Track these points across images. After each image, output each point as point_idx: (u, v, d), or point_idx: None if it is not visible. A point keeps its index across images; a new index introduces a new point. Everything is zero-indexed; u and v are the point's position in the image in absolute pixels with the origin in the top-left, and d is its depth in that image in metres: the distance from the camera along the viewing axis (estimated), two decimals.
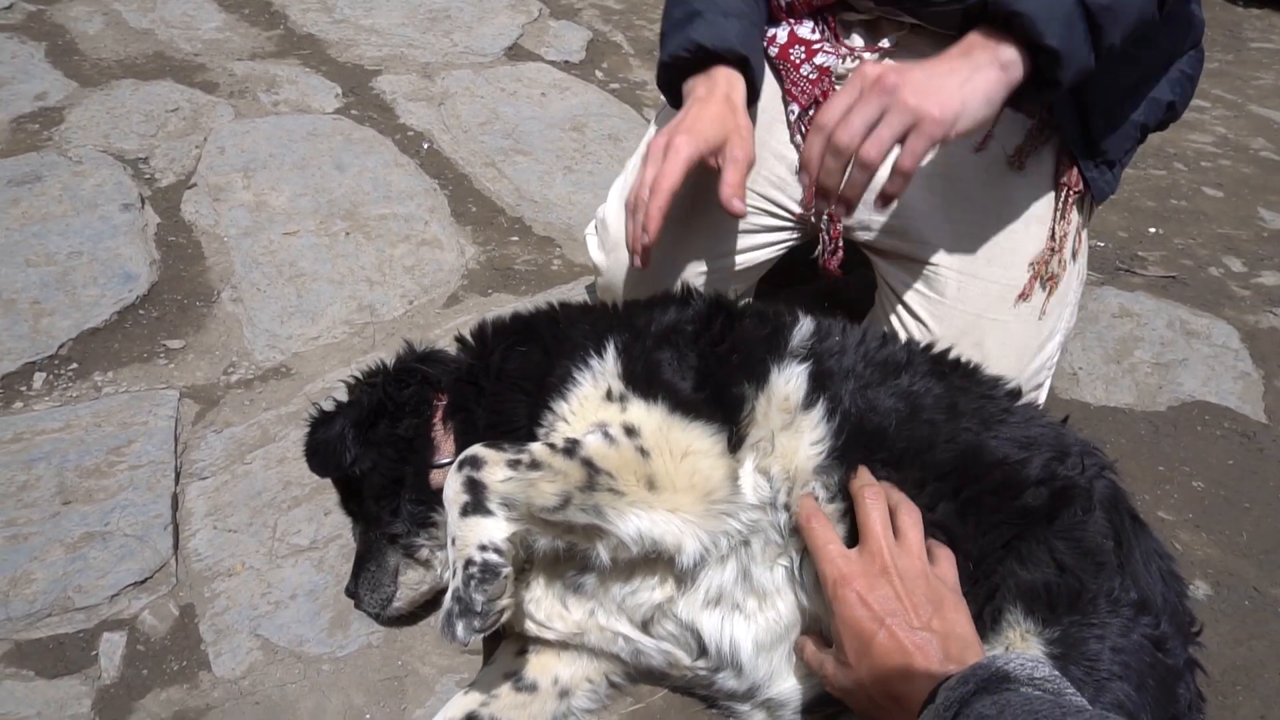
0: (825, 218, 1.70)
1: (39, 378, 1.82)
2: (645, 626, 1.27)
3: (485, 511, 1.14)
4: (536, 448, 1.18)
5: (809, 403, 1.20)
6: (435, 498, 1.31)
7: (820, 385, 1.20)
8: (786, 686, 1.23)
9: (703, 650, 1.25)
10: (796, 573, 1.20)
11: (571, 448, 1.17)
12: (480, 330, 1.45)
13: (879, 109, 1.18)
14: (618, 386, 1.22)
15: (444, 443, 1.39)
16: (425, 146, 2.73)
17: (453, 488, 1.16)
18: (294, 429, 1.76)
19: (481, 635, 1.11)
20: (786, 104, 1.67)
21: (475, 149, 2.74)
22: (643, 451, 1.16)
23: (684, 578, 1.23)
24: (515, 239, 2.40)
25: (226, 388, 1.85)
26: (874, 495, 1.13)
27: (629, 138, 2.86)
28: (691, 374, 1.23)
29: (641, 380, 1.21)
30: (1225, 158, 3.46)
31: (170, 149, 2.58)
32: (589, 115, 2.97)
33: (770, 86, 1.70)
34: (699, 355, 1.25)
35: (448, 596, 1.13)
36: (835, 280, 1.81)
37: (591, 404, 1.22)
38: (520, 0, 3.78)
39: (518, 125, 2.87)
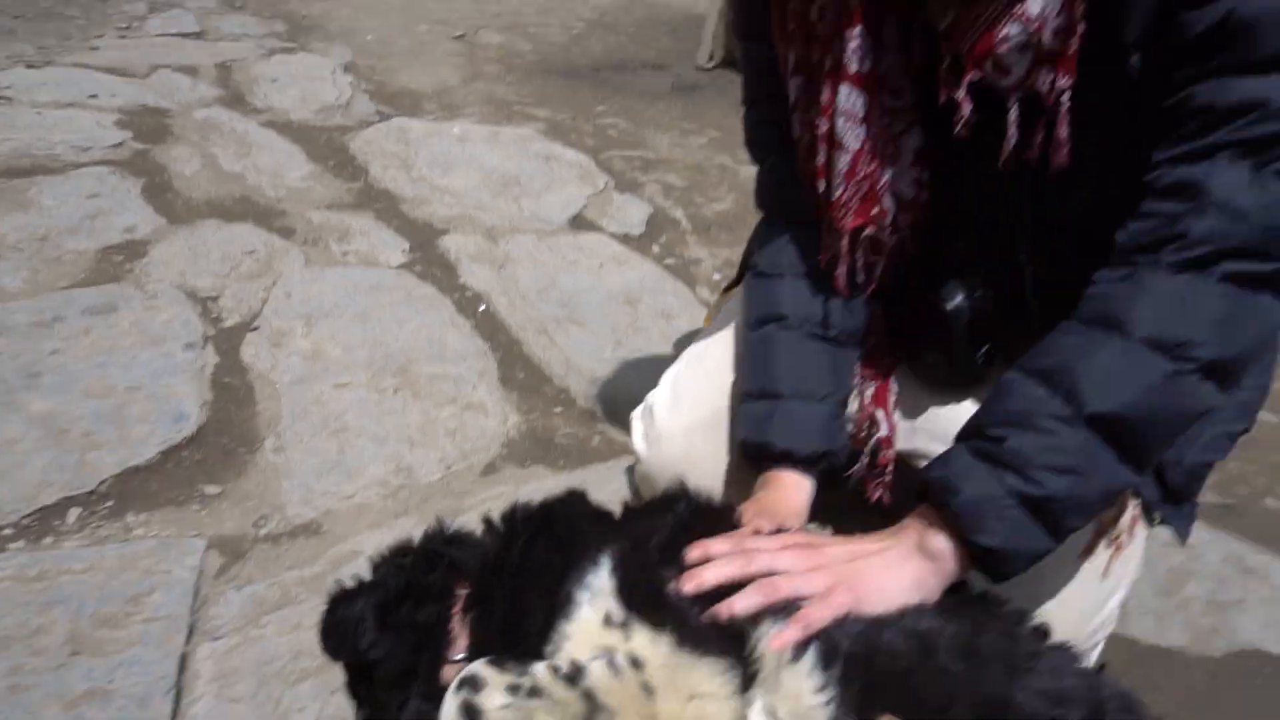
0: (874, 441, 1.68)
1: (74, 513, 1.83)
2: None
3: None
4: (540, 671, 1.11)
5: (798, 651, 1.13)
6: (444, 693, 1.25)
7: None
8: None
9: None
10: None
11: (575, 675, 1.10)
12: (510, 515, 1.43)
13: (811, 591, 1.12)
14: (618, 612, 1.17)
15: (460, 636, 1.34)
16: (482, 308, 2.82)
17: (448, 712, 1.11)
18: (314, 594, 1.73)
19: None
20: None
21: (531, 315, 2.82)
22: (647, 689, 1.10)
23: None
24: (559, 410, 2.42)
25: (254, 541, 1.85)
26: None
27: (681, 315, 2.92)
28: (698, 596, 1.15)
29: (643, 604, 1.14)
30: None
31: (240, 290, 2.69)
32: (644, 290, 3.05)
33: None
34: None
35: None
36: (881, 502, 1.77)
37: (593, 628, 1.17)
38: (589, 173, 3.98)
39: (574, 294, 2.96)
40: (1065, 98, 1.15)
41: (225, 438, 2.11)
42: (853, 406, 1.71)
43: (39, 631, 1.55)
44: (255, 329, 2.52)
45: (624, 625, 1.15)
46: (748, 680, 1.13)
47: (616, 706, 1.08)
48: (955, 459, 1.16)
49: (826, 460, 1.47)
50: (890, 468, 1.74)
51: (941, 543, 1.13)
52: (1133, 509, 1.49)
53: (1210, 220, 1.03)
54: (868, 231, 1.42)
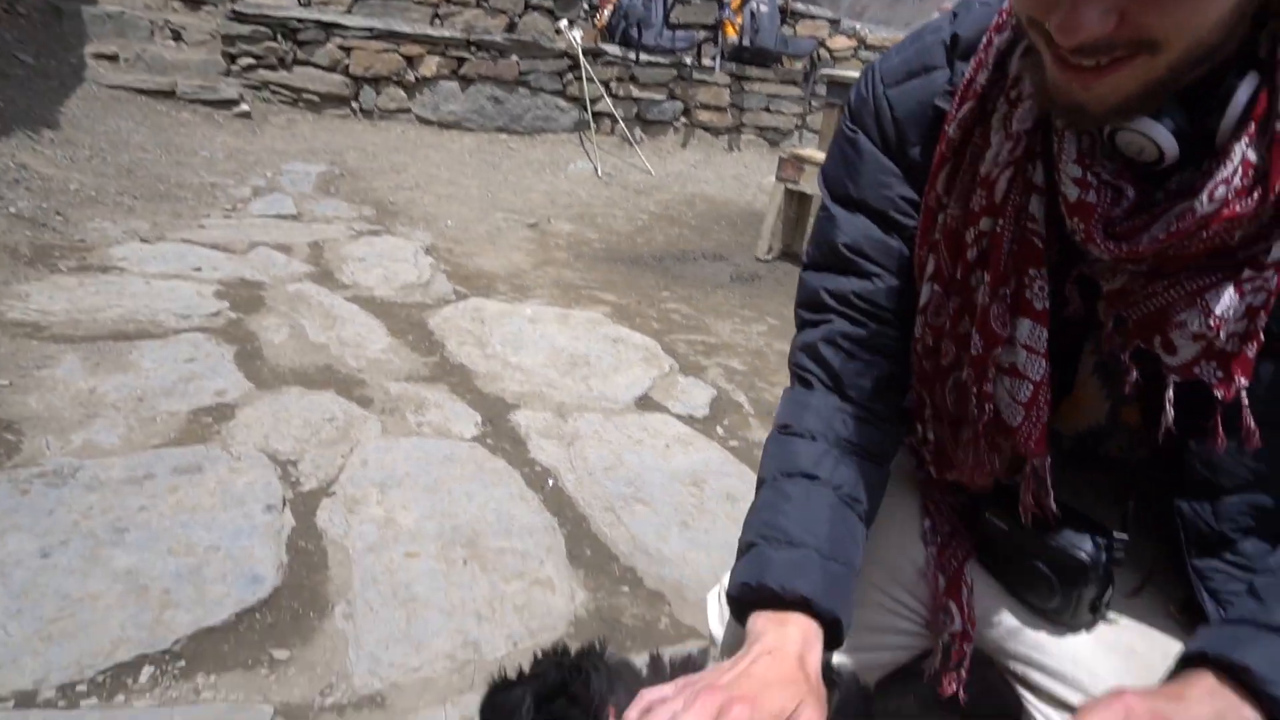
0: (948, 636, 1.64)
1: (147, 672, 1.83)
2: None
3: None
4: None
5: None
6: None
7: None
8: None
9: None
10: None
11: None
12: (684, 660, 1.43)
13: None
14: None
15: None
16: (550, 483, 2.85)
17: None
18: None
19: None
20: (921, 515, 1.69)
21: (597, 492, 2.84)
22: None
23: None
24: (626, 589, 2.39)
25: (320, 710, 1.81)
26: None
27: (745, 498, 2.89)
28: None
29: None
30: None
31: (319, 455, 2.78)
32: (709, 472, 3.07)
33: (900, 471, 1.73)
34: None
35: None
36: (955, 696, 1.70)
37: None
38: (654, 355, 4.11)
39: (640, 474, 2.99)
40: (1244, 394, 1.19)
41: (297, 602, 2.12)
42: (925, 595, 1.67)
43: None
44: (331, 494, 2.58)
45: None
46: None
47: None
48: (1265, 650, 1.16)
49: (839, 625, 1.34)
50: (966, 662, 1.68)
51: (1254, 715, 1.14)
52: None
53: None
54: (1036, 462, 1.44)
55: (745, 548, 1.47)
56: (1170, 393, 1.22)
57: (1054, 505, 1.47)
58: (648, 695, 1.30)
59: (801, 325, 1.73)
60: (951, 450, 1.56)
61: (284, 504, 2.47)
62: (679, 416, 3.53)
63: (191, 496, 2.42)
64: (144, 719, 1.69)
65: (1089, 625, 1.59)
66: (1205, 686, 1.26)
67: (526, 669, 1.53)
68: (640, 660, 1.53)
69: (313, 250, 4.94)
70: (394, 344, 3.83)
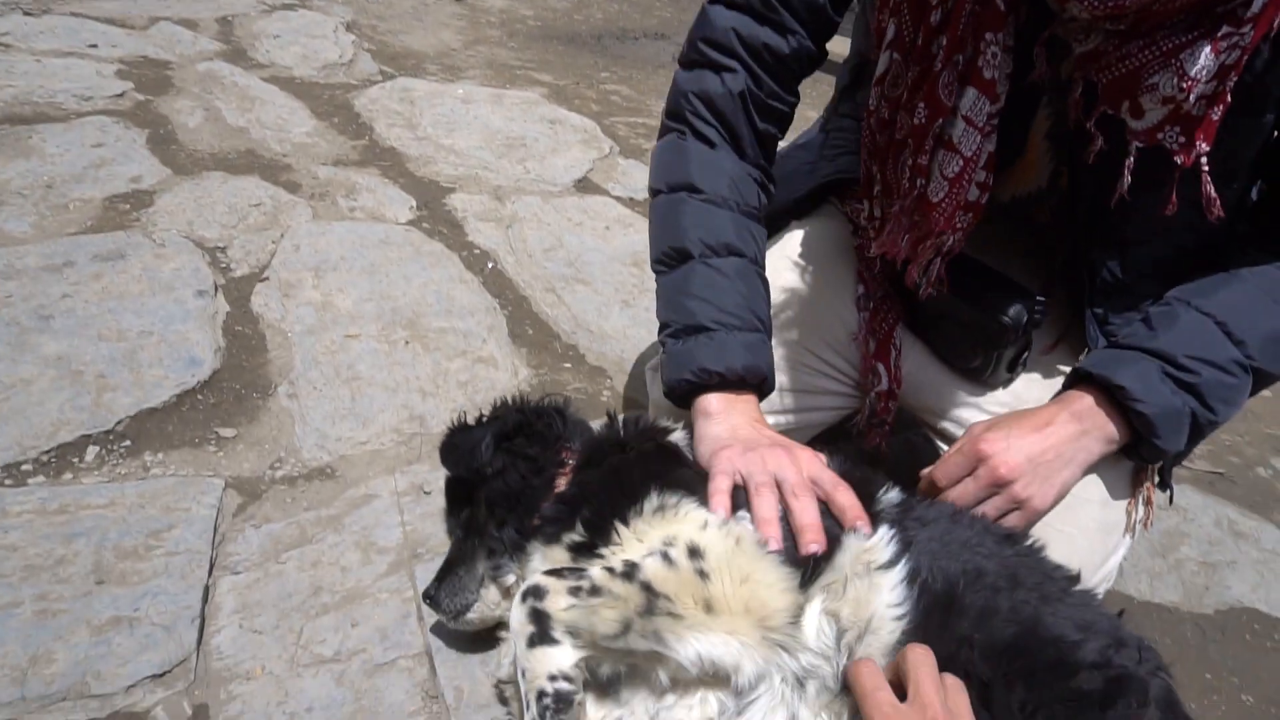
0: (874, 395, 1.72)
1: (92, 451, 1.84)
2: None
3: (551, 641, 1.17)
4: (596, 573, 1.20)
5: (890, 563, 1.20)
6: (532, 533, 1.39)
7: (903, 550, 1.21)
8: None
9: None
10: None
11: (630, 571, 1.19)
12: (635, 420, 1.54)
13: (989, 491, 1.34)
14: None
15: (555, 489, 1.46)
16: (490, 266, 2.83)
17: (518, 619, 1.19)
18: (331, 532, 1.75)
19: None
20: (855, 282, 1.71)
21: (537, 273, 2.83)
22: (702, 574, 1.17)
23: (727, 704, 1.19)
24: (568, 365, 2.44)
25: (271, 482, 1.87)
26: (922, 651, 1.09)
27: None
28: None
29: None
30: None
31: (248, 241, 2.69)
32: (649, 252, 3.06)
33: (838, 242, 1.74)
34: None
35: None
36: (878, 449, 1.81)
37: (702, 512, 1.26)
38: (593, 138, 3.97)
39: (580, 255, 2.97)
40: (1204, 161, 1.21)
41: (238, 384, 2.12)
42: (856, 358, 1.74)
43: (63, 562, 1.57)
44: (265, 280, 2.52)
45: (723, 523, 1.23)
46: (809, 578, 1.18)
47: (673, 593, 1.16)
48: (1140, 371, 1.34)
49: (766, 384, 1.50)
50: (891, 419, 1.78)
51: (1118, 433, 1.35)
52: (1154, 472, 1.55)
53: None
54: (947, 238, 1.44)
55: (693, 328, 1.47)
56: (1131, 161, 1.23)
57: (945, 277, 1.51)
58: (727, 468, 1.33)
59: (694, 64, 1.63)
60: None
61: (216, 289, 2.42)
62: (619, 199, 3.47)
63: (117, 283, 2.34)
64: (95, 495, 1.72)
65: (1006, 383, 1.68)
66: (1076, 408, 1.37)
67: (486, 415, 1.60)
68: (595, 422, 1.60)
69: (222, 26, 4.55)
70: (319, 127, 3.63)
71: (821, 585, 1.19)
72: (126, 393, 1.99)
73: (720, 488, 1.28)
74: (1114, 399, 1.34)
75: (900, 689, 1.07)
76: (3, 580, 1.52)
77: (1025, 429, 1.35)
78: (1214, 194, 1.21)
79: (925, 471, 1.43)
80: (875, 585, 1.18)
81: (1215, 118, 1.17)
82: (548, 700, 1.15)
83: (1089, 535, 1.53)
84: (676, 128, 1.61)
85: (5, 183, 2.74)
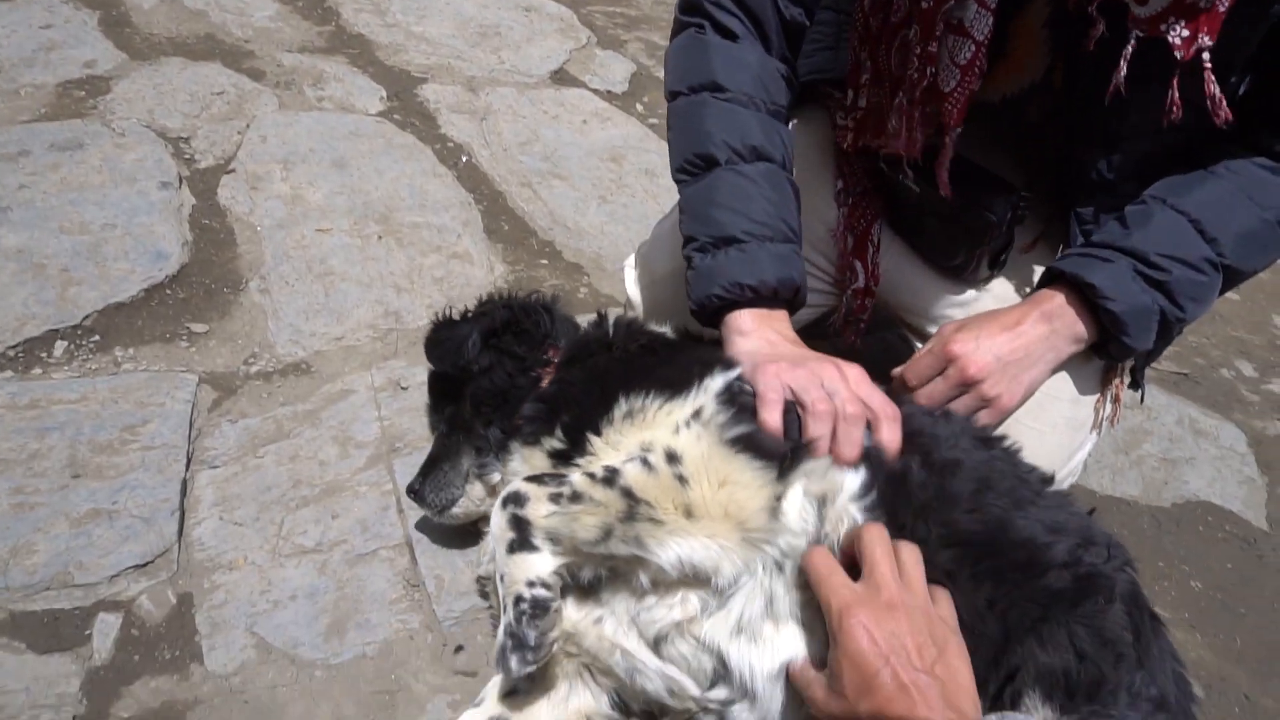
0: (851, 292, 1.71)
1: (60, 346, 1.81)
2: (656, 645, 1.26)
3: (531, 548, 1.19)
4: (577, 479, 1.21)
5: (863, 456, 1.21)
6: (515, 432, 1.40)
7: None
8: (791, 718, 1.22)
9: (718, 679, 1.23)
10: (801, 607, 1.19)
11: (611, 477, 1.19)
12: (622, 319, 1.54)
13: (958, 390, 1.34)
14: (711, 406, 1.24)
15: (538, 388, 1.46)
16: (464, 159, 2.76)
17: (498, 525, 1.19)
18: (309, 427, 1.76)
19: (534, 667, 1.16)
20: (835, 178, 1.68)
21: (513, 168, 2.76)
22: (681, 479, 1.18)
23: (709, 601, 1.22)
24: (544, 262, 2.41)
25: (245, 378, 1.85)
26: (876, 530, 1.13)
27: (665, 174, 2.86)
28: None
29: (730, 405, 1.23)
30: None
31: (212, 132, 2.60)
32: (628, 147, 2.99)
33: (816, 139, 1.71)
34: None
35: (501, 631, 1.17)
36: (854, 345, 1.82)
37: (674, 416, 1.24)
38: (570, 26, 3.82)
39: (557, 149, 2.90)
40: (1206, 56, 1.16)
41: (208, 278, 2.08)
42: (834, 255, 1.73)
43: (37, 456, 1.56)
44: (231, 171, 2.44)
45: (697, 417, 1.22)
46: (791, 464, 1.19)
47: (653, 499, 1.16)
48: (1113, 271, 1.33)
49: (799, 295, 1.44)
50: (867, 316, 1.79)
51: (1086, 332, 1.37)
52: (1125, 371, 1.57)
53: None
54: (955, 133, 1.39)
55: (722, 240, 1.40)
56: (1129, 50, 1.19)
57: (946, 176, 1.48)
58: (777, 386, 1.27)
59: None
60: (885, 116, 1.52)
61: (180, 181, 2.34)
62: (597, 92, 3.37)
63: (76, 174, 2.26)
64: (66, 390, 1.71)
65: (986, 280, 1.68)
66: (1047, 308, 1.37)
67: (471, 310, 1.58)
68: (583, 319, 1.58)
69: None
70: (282, 11, 3.45)
71: (803, 471, 1.20)
72: (92, 287, 1.95)
73: (771, 402, 1.22)
74: (1084, 297, 1.34)
75: (856, 569, 1.11)
76: None
77: (994, 329, 1.36)
78: (1219, 94, 1.18)
79: (896, 371, 1.44)
80: (845, 475, 1.20)
81: (1223, 9, 1.13)
82: (525, 606, 1.16)
83: (1058, 431, 1.56)
84: (694, 21, 1.50)
85: None
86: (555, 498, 1.19)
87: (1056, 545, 1.16)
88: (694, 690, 1.25)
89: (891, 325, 1.97)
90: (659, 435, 1.22)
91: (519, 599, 1.17)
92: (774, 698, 1.20)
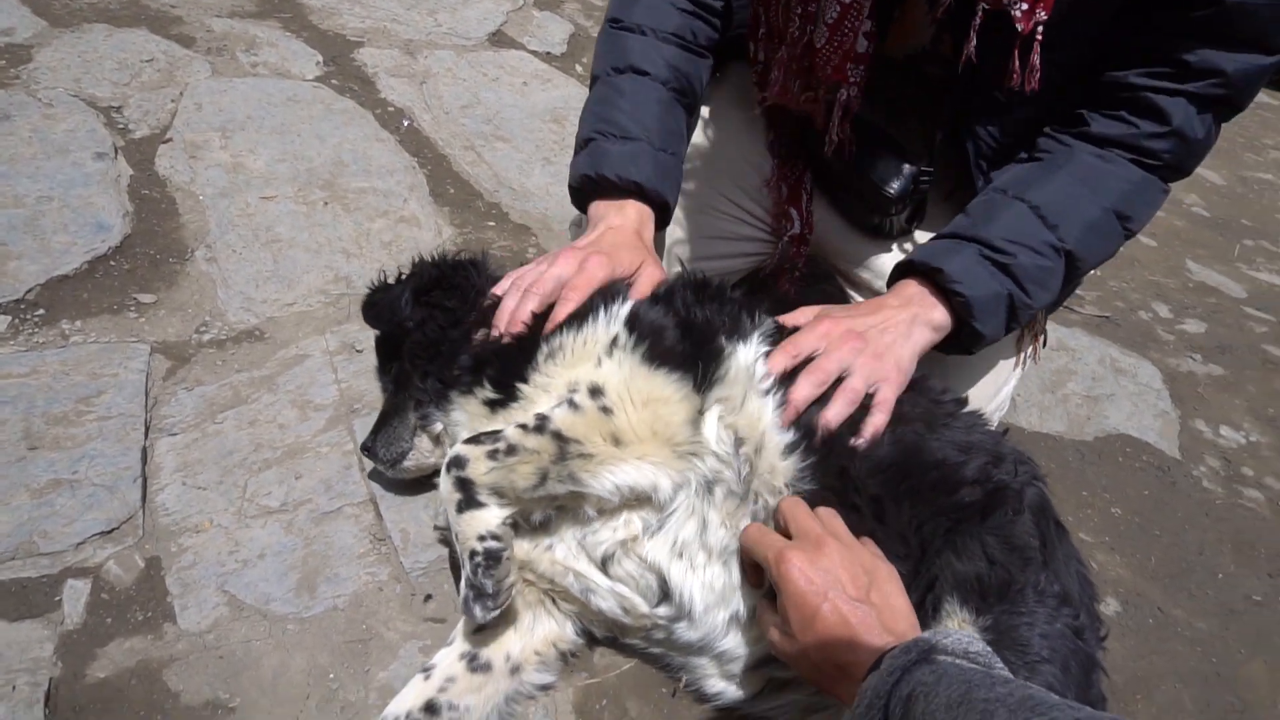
0: (786, 239, 1.78)
1: (3, 321, 1.79)
2: (604, 565, 1.35)
3: (478, 505, 1.27)
4: (510, 432, 1.29)
5: (773, 389, 1.30)
6: (453, 383, 1.46)
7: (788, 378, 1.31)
8: (733, 642, 1.32)
9: (663, 597, 1.32)
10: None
11: (541, 425, 1.28)
12: None
13: (850, 361, 1.32)
14: (623, 334, 1.33)
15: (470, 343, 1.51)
16: (406, 124, 2.75)
17: (445, 488, 1.27)
18: (266, 392, 1.77)
19: (497, 612, 1.25)
20: (767, 129, 1.74)
21: (455, 131, 2.77)
22: (605, 410, 1.27)
23: (650, 520, 1.32)
24: (492, 224, 2.44)
25: (198, 346, 1.86)
26: (793, 500, 1.25)
27: None
28: (679, 328, 1.34)
29: (639, 327, 1.33)
30: (1160, 210, 3.69)
31: (144, 100, 2.55)
32: (569, 109, 3.01)
33: (749, 92, 1.76)
34: (690, 313, 1.36)
35: (463, 583, 1.25)
36: (789, 294, 1.89)
37: (593, 344, 1.33)
38: None
39: (499, 111, 2.91)
40: (1040, 30, 1.25)
41: (152, 249, 2.06)
42: (769, 204, 1.80)
43: None
44: (168, 141, 2.41)
45: (613, 344, 1.30)
46: (705, 386, 1.28)
47: (581, 436, 1.25)
48: (962, 258, 1.39)
49: (668, 208, 1.57)
50: (802, 264, 1.86)
51: (942, 317, 1.40)
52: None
53: (1170, 143, 1.38)
54: (843, 93, 1.46)
55: (583, 143, 1.57)
56: (977, 21, 1.28)
57: (850, 136, 1.55)
58: (513, 273, 1.45)
59: None
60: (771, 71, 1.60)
61: (116, 151, 2.30)
62: (535, 53, 3.37)
63: (6, 146, 2.21)
64: (14, 365, 1.69)
65: (906, 233, 1.77)
66: (906, 294, 1.44)
67: (404, 273, 1.62)
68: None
69: None
70: None
71: (717, 398, 1.29)
72: (33, 260, 1.92)
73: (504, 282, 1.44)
74: (937, 285, 1.40)
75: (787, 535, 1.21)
76: None
77: (859, 314, 1.41)
78: (1038, 64, 1.28)
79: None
80: (764, 406, 1.28)
81: None
82: (479, 559, 1.24)
83: (981, 366, 1.67)
84: None
85: None
86: (492, 454, 1.26)
87: (968, 464, 1.26)
88: (644, 607, 1.35)
89: (829, 277, 2.06)
90: (582, 372, 1.31)
91: (473, 553, 1.25)
92: (715, 619, 1.30)
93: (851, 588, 1.11)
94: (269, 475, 1.61)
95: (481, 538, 1.25)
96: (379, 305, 1.60)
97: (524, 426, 1.27)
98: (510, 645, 1.37)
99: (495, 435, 1.29)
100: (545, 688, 1.41)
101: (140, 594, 1.41)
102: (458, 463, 1.28)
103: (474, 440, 1.30)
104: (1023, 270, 1.38)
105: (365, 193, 2.39)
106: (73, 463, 1.54)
